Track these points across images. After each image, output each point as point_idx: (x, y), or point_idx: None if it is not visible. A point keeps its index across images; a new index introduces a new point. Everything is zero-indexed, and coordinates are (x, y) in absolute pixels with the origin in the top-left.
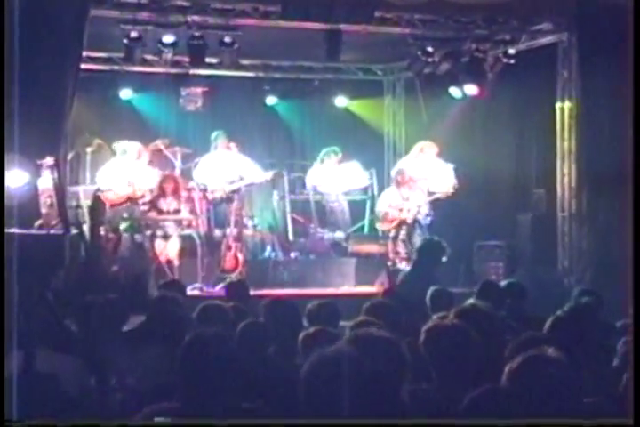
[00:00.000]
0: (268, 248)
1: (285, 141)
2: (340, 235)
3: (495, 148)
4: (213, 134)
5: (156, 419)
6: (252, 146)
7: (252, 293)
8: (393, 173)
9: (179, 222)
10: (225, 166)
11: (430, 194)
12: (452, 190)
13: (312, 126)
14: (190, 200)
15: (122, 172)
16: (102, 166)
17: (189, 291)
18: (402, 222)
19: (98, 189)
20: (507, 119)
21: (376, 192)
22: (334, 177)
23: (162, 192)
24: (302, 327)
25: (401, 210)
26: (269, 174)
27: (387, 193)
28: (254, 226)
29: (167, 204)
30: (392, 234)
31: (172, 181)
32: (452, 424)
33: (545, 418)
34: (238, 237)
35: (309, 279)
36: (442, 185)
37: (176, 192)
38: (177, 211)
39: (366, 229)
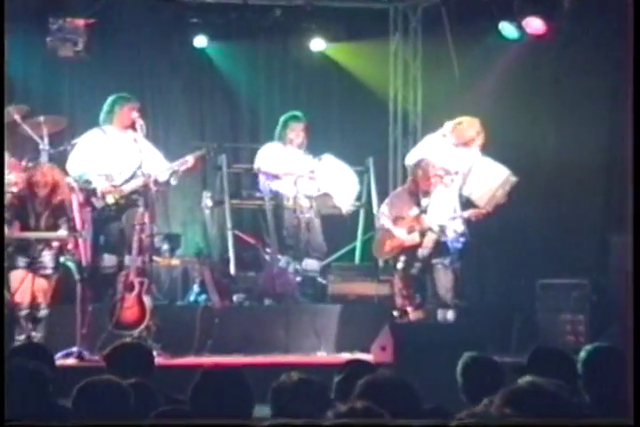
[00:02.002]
0: (195, 287)
1: (224, 112)
2: (313, 265)
3: (574, 127)
4: (109, 100)
5: None
6: (170, 119)
7: (166, 362)
8: (409, 158)
9: (48, 246)
10: (123, 152)
11: (466, 202)
12: (502, 200)
13: (269, 86)
14: (62, 208)
15: None
16: None
17: (61, 359)
18: (416, 246)
19: None
20: (594, 79)
21: (375, 196)
22: (301, 165)
23: (29, 195)
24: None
25: (416, 225)
26: (188, 161)
27: (394, 198)
28: (171, 250)
29: (36, 214)
30: (400, 265)
31: (44, 175)
32: (453, 425)
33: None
34: (144, 270)
35: (263, 340)
36: (486, 188)
37: (52, 196)
38: (53, 226)
39: (357, 257)
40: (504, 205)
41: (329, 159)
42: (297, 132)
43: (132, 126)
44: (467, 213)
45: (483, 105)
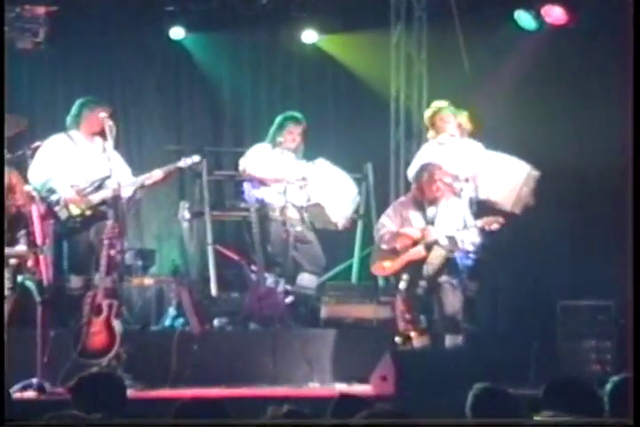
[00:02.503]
0: (171, 310)
1: (204, 112)
2: (310, 281)
3: (596, 129)
4: (77, 103)
5: None
6: (142, 120)
7: (138, 395)
8: (410, 171)
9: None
10: (90, 160)
11: (483, 208)
12: (529, 199)
13: (255, 84)
14: (20, 220)
15: None
16: None
17: (18, 393)
18: (421, 263)
19: None
20: (618, 74)
21: (374, 207)
22: (291, 171)
23: None
24: None
25: (421, 238)
26: (152, 176)
27: (396, 208)
28: (144, 268)
29: None
30: (403, 284)
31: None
32: (452, 424)
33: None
34: (114, 291)
35: (248, 369)
36: (508, 187)
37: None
38: (10, 240)
39: (355, 275)
40: (520, 216)
41: (322, 165)
42: (294, 136)
43: (102, 133)
44: (480, 222)
45: (496, 104)
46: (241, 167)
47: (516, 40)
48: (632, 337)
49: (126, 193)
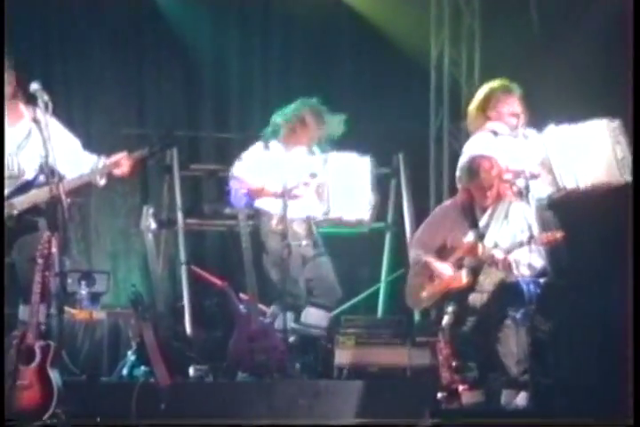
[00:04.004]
0: (130, 355)
1: (175, 85)
2: (317, 318)
3: None
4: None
5: None
6: (92, 95)
7: None
8: (461, 163)
9: None
10: (14, 143)
11: (546, 219)
12: (625, 173)
13: (246, 47)
14: None
15: None
16: None
17: None
18: (470, 290)
19: None
20: None
21: (407, 214)
22: (297, 168)
23: None
24: None
25: (470, 258)
26: (121, 164)
27: (437, 217)
28: (93, 297)
29: None
30: (447, 320)
31: None
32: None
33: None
34: (50, 328)
35: None
36: (595, 171)
37: None
38: None
39: (381, 307)
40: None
41: (337, 159)
42: (310, 130)
43: (30, 102)
44: (540, 238)
45: (575, 72)
46: (235, 172)
47: None
48: (632, 337)
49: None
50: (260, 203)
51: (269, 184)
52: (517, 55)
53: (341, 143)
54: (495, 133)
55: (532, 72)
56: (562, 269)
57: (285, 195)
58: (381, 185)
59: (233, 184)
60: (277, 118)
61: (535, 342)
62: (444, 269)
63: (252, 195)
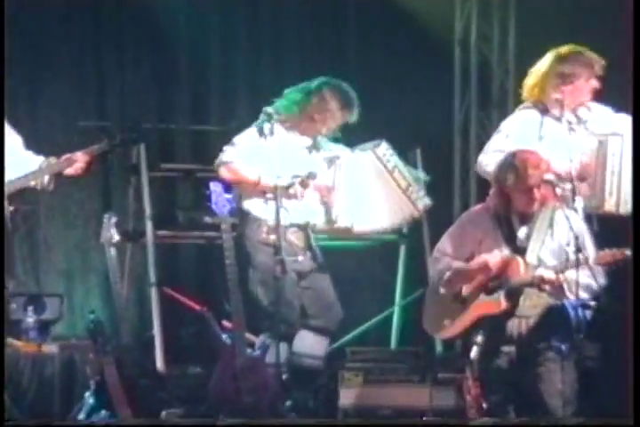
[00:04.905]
0: (88, 397)
1: (142, 68)
2: (314, 346)
3: None
4: None
5: None
6: (40, 79)
7: None
8: (482, 161)
9: None
10: None
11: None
12: None
13: (228, 24)
14: None
15: None
16: None
17: None
18: (504, 315)
19: None
20: None
21: (426, 221)
22: (297, 166)
23: None
24: None
25: (504, 275)
26: (74, 161)
27: (464, 224)
28: (42, 327)
29: None
30: (476, 351)
31: None
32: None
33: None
34: None
35: None
36: None
37: None
38: None
39: (395, 336)
40: None
41: (343, 156)
42: (326, 119)
43: None
44: (598, 259)
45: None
46: (225, 158)
47: None
48: (632, 337)
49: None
50: (248, 205)
51: (266, 178)
52: (562, 27)
53: (348, 136)
54: (545, 112)
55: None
56: (618, 290)
57: (279, 195)
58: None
59: (213, 186)
60: (291, 96)
61: (585, 377)
62: (488, 257)
63: (242, 194)
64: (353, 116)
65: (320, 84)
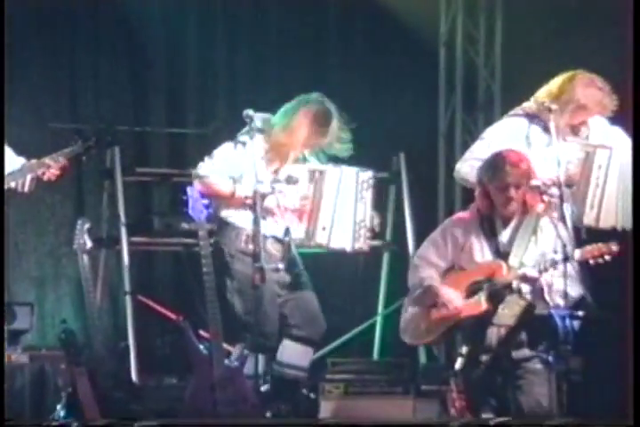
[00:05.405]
0: (60, 409)
1: (117, 66)
2: (296, 355)
3: None
4: None
5: None
6: (13, 79)
7: None
8: (460, 169)
9: None
10: None
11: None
12: None
13: (206, 24)
14: None
15: None
16: None
17: None
18: (485, 323)
19: None
20: None
21: (410, 228)
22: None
23: None
24: None
25: (486, 280)
26: (49, 166)
27: (447, 229)
28: (13, 336)
29: None
30: (460, 362)
31: None
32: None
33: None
34: None
35: None
36: None
37: None
38: None
39: (377, 346)
40: None
41: (327, 171)
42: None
43: None
44: (580, 253)
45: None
46: (201, 172)
47: None
48: (632, 337)
49: None
50: (226, 213)
51: (242, 189)
52: (549, 28)
53: None
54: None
55: (566, 50)
56: (606, 299)
57: (258, 200)
58: (378, 193)
59: (190, 191)
60: (275, 120)
61: (569, 389)
62: (454, 296)
63: (219, 203)
64: (329, 135)
65: (297, 104)
